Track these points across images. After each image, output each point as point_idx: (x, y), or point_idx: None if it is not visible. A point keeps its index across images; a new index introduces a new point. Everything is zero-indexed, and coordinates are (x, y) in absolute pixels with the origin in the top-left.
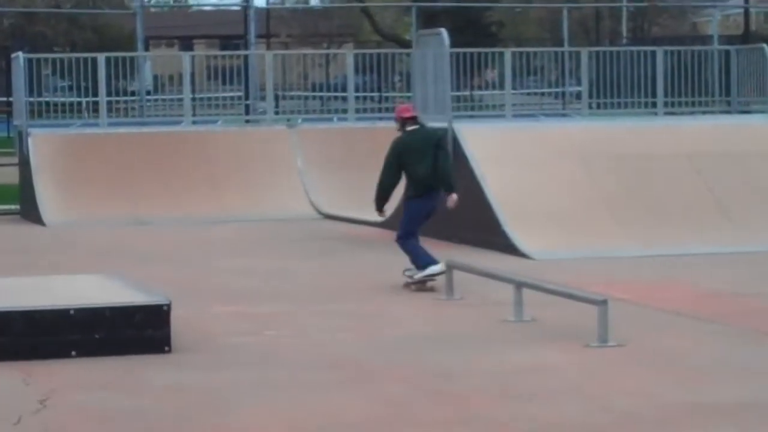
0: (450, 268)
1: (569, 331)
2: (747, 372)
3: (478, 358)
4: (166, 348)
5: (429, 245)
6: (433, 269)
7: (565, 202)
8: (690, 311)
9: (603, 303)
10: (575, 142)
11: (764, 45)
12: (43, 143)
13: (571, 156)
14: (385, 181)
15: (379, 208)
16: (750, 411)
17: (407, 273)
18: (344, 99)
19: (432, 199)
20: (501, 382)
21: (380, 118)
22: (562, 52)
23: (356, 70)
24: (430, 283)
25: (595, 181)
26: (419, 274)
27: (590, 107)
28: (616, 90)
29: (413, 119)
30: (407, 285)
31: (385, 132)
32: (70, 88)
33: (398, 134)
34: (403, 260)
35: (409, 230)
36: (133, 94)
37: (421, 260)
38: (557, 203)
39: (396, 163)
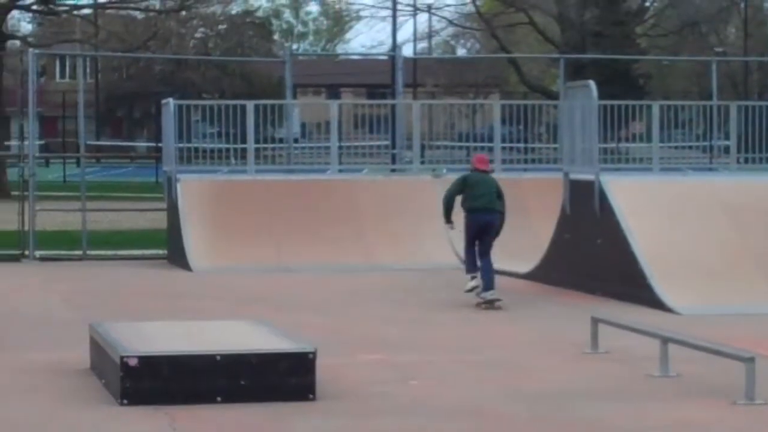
0: (595, 321)
1: (715, 387)
2: None
3: (623, 412)
4: (311, 396)
5: (572, 298)
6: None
7: (712, 257)
8: None
9: (750, 360)
10: (723, 196)
11: None
12: (191, 189)
13: (718, 211)
14: (446, 197)
15: (448, 219)
16: None
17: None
18: (490, 149)
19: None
20: None
21: (525, 170)
22: (710, 106)
23: (502, 121)
24: (498, 303)
25: (743, 236)
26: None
27: (738, 162)
28: (765, 145)
29: (483, 171)
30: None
31: (531, 183)
32: (219, 134)
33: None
34: (555, 316)
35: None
36: (280, 141)
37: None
38: (704, 258)
39: (457, 190)
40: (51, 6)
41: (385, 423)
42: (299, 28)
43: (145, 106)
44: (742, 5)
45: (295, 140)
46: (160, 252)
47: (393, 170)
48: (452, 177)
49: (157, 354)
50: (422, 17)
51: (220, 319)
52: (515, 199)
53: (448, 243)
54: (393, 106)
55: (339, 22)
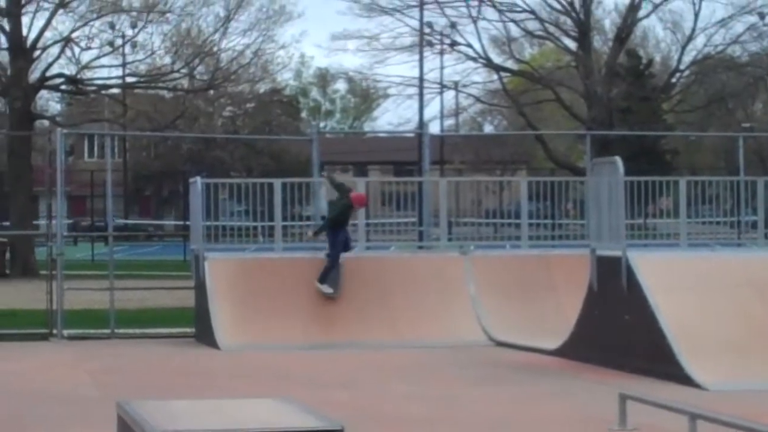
0: (623, 398)
1: None
2: None
3: None
4: None
5: (600, 374)
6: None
7: (741, 333)
8: None
9: None
10: (752, 272)
11: None
12: (218, 267)
13: (747, 286)
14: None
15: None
16: None
17: None
18: (517, 226)
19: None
20: None
21: (553, 246)
22: (738, 181)
23: (529, 197)
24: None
25: None
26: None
27: (766, 237)
28: None
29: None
30: None
31: (558, 259)
32: (246, 212)
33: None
34: (583, 392)
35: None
36: (308, 218)
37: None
38: (733, 334)
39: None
40: (79, 86)
41: None
42: (326, 105)
43: (173, 184)
44: None
45: (323, 218)
46: (188, 330)
47: (420, 247)
48: (480, 254)
49: (184, 431)
50: (449, 94)
51: (248, 397)
52: (543, 275)
53: (476, 320)
54: (420, 183)
55: (366, 100)
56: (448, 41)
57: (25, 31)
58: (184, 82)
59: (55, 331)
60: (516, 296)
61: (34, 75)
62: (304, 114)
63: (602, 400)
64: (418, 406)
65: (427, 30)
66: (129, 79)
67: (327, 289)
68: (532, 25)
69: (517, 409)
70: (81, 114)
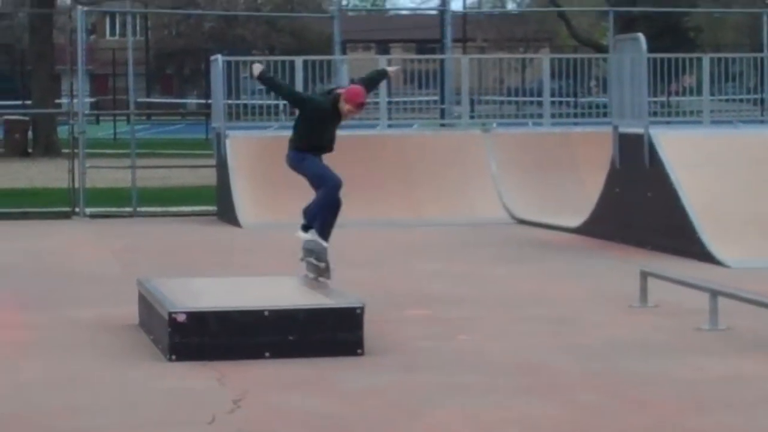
0: (644, 275)
1: (766, 341)
2: None
3: (673, 366)
4: (359, 351)
5: (622, 252)
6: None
7: (763, 210)
8: None
9: None
10: None
11: None
12: (240, 145)
13: None
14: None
15: None
16: None
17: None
18: (539, 104)
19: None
20: (696, 392)
21: (575, 123)
22: (762, 58)
23: (552, 75)
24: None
25: None
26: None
27: None
28: None
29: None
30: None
31: (581, 136)
32: (268, 91)
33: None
34: (605, 270)
35: None
36: None
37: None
38: (755, 211)
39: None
40: None
41: (433, 378)
42: None
43: (195, 63)
44: None
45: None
46: (210, 208)
47: (442, 125)
48: (501, 131)
49: (206, 310)
50: None
51: (269, 274)
52: (564, 152)
53: (497, 198)
54: (442, 61)
55: None
56: None
57: None
58: None
59: (77, 210)
60: (537, 174)
61: None
62: None
63: (624, 278)
64: (442, 284)
65: None
66: None
67: (318, 242)
68: None
69: (539, 286)
70: None
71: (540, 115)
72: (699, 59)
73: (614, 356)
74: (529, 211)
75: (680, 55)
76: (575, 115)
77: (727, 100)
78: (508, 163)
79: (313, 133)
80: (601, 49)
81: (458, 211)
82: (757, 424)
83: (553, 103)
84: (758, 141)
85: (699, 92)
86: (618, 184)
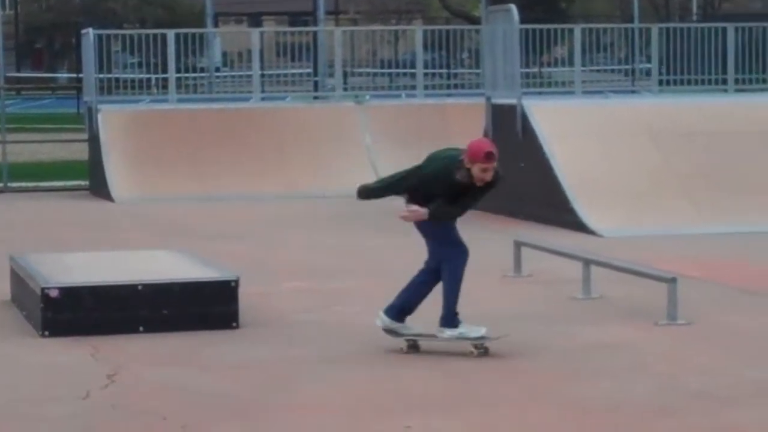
0: (518, 245)
1: (638, 308)
2: None
3: (547, 335)
4: (234, 324)
5: (496, 222)
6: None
7: (634, 180)
8: (761, 289)
9: (672, 281)
10: (645, 119)
11: None
12: (112, 119)
13: (640, 133)
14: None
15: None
16: None
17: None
18: (413, 75)
19: None
20: (570, 360)
21: (449, 95)
22: (632, 29)
23: (425, 47)
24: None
25: (666, 158)
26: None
27: (660, 84)
28: (686, 67)
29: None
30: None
31: (454, 108)
32: (140, 64)
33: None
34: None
35: None
36: (202, 70)
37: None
38: (627, 180)
39: None
40: None
41: (309, 351)
42: None
43: (65, 37)
44: None
45: (217, 69)
46: (83, 183)
47: (315, 98)
48: (375, 103)
49: (78, 285)
50: None
51: (143, 249)
52: (438, 124)
53: (371, 169)
54: (315, 34)
55: None
56: None
57: None
58: None
59: None
60: (412, 145)
61: None
62: None
63: (498, 248)
64: (315, 256)
65: None
66: None
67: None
68: None
69: (414, 257)
70: None
71: (413, 87)
72: (570, 30)
73: (489, 325)
74: None
75: (552, 26)
76: (448, 87)
77: (598, 71)
78: (382, 135)
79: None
80: (474, 20)
81: (332, 183)
82: (630, 390)
83: (426, 74)
84: (629, 111)
85: (571, 63)
86: None
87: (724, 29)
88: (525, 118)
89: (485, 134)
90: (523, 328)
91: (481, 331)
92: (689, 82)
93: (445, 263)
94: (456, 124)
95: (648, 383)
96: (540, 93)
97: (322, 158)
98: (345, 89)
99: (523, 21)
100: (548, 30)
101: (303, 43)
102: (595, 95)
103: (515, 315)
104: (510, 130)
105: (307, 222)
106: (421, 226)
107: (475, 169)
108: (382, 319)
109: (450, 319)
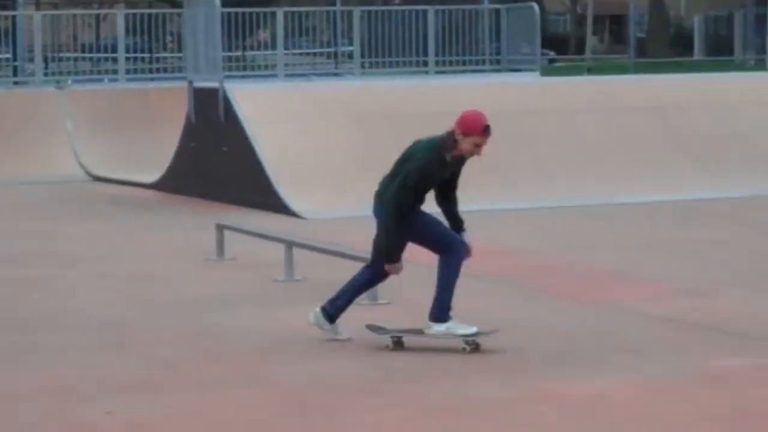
0: (220, 228)
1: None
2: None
3: (250, 317)
4: None
5: (200, 206)
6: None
7: (338, 162)
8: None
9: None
10: (349, 101)
11: (534, 4)
12: None
13: (345, 115)
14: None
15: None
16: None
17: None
18: (115, 60)
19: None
20: (273, 341)
21: (152, 79)
22: (335, 12)
23: (127, 31)
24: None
25: (369, 140)
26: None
27: (362, 67)
28: (388, 49)
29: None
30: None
31: (157, 92)
32: None
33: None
34: (183, 224)
35: None
36: None
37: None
38: (331, 163)
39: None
40: None
41: (6, 338)
42: None
43: None
44: None
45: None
46: None
47: (15, 83)
48: (77, 88)
49: None
50: None
51: None
52: (141, 108)
53: (73, 155)
54: (14, 18)
55: None
56: None
57: None
58: None
59: None
60: (114, 130)
61: None
62: None
63: (201, 232)
64: (16, 243)
65: None
66: None
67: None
68: None
69: (116, 243)
70: None
71: (115, 72)
72: (273, 13)
73: (192, 310)
74: (106, 167)
75: (255, 10)
76: (151, 71)
77: (301, 54)
78: (84, 120)
79: None
80: (177, 4)
81: (34, 169)
82: (335, 367)
83: (128, 59)
84: (332, 94)
85: (274, 46)
86: (194, 139)
87: (425, 12)
88: (227, 102)
89: (188, 118)
90: (225, 311)
91: (472, 329)
92: (392, 65)
93: (449, 254)
94: (159, 109)
95: (353, 360)
96: (243, 77)
97: (22, 144)
98: (46, 74)
99: (224, 4)
100: (251, 13)
101: (1, 28)
102: (299, 78)
103: (217, 298)
104: (212, 113)
105: (7, 209)
106: (415, 235)
107: (467, 143)
108: (317, 316)
109: (442, 313)
